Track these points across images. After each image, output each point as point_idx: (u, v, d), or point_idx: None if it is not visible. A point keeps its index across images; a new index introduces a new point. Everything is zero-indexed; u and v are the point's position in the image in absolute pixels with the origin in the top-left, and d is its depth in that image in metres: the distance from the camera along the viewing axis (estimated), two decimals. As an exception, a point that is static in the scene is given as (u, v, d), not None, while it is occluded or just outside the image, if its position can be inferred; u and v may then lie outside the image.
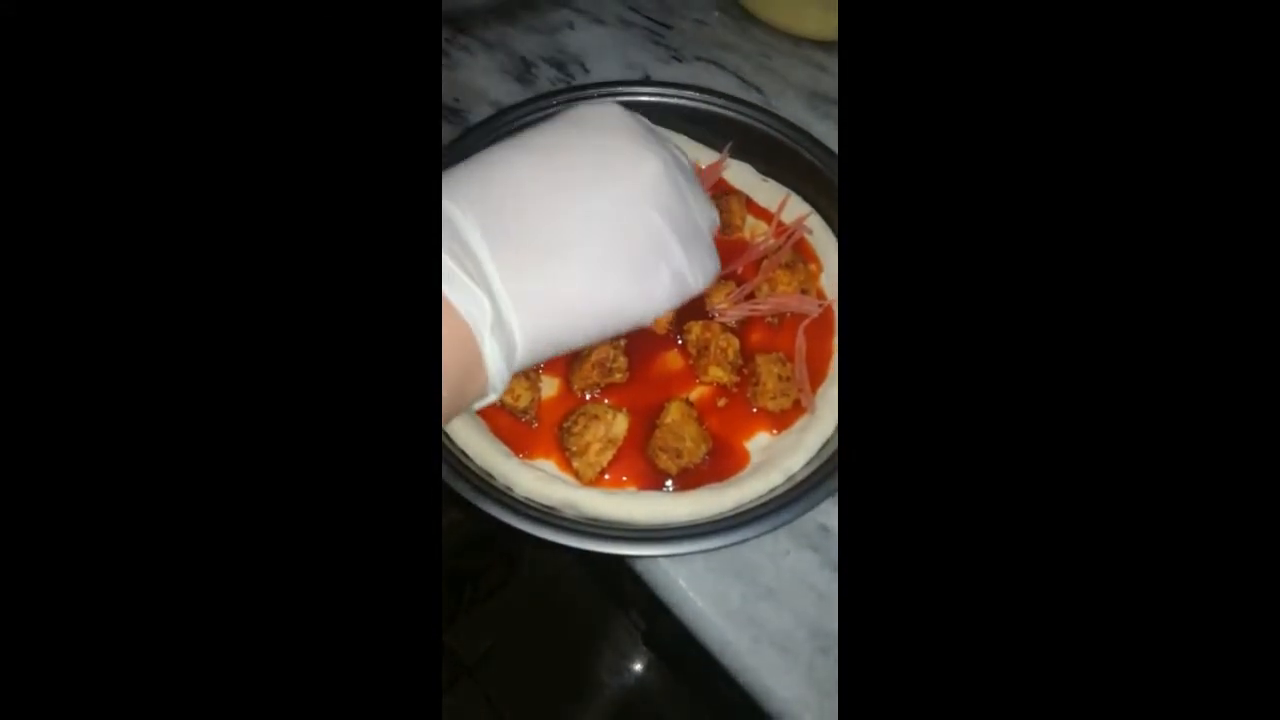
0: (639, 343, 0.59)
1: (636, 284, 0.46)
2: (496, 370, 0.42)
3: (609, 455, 0.54)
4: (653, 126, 0.51)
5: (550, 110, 0.68)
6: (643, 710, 1.37)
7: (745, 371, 0.58)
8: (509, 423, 0.56)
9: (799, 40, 0.82)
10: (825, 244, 0.65)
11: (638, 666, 1.39)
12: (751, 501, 0.53)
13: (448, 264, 0.39)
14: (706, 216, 0.50)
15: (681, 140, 0.69)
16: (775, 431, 0.57)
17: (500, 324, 0.41)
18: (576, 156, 0.46)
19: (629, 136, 0.47)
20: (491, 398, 0.44)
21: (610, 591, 1.36)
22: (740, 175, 0.68)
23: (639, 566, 0.55)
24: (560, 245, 0.43)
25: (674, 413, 0.55)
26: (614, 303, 0.45)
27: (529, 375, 0.56)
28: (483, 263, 0.41)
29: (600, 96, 0.69)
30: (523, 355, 0.43)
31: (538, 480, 0.53)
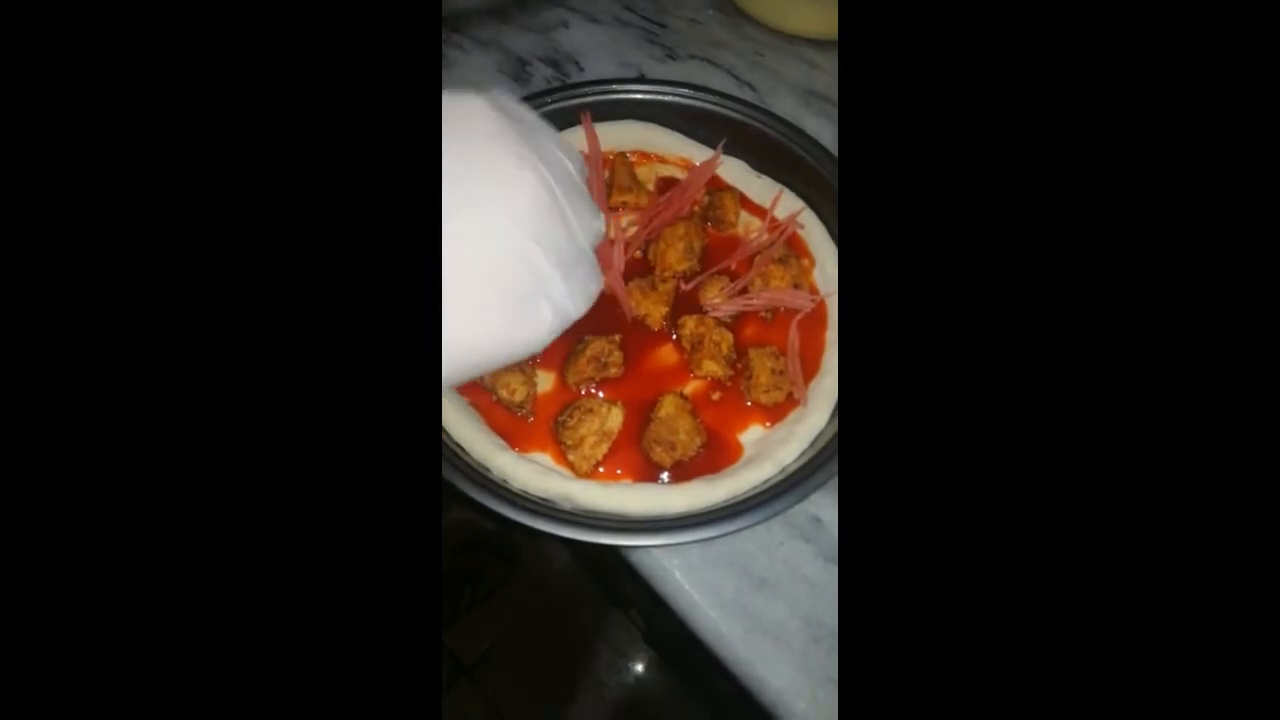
0: (634, 338, 0.59)
1: (514, 325, 0.43)
2: None
3: (604, 448, 0.55)
4: (528, 118, 0.46)
5: (545, 108, 0.69)
6: (642, 710, 1.37)
7: (739, 365, 0.59)
8: (505, 417, 0.57)
9: (791, 38, 0.82)
10: (818, 239, 0.65)
11: (638, 666, 1.39)
12: (745, 493, 0.53)
13: None
14: (590, 229, 0.46)
15: (675, 137, 0.70)
16: (768, 424, 0.58)
17: None
18: (445, 171, 0.40)
19: (501, 147, 0.42)
20: None
21: (609, 591, 1.36)
22: (734, 171, 0.69)
23: (634, 559, 0.55)
24: (448, 287, 0.39)
25: (668, 406, 0.55)
26: (490, 345, 0.43)
27: (524, 370, 0.57)
28: None
29: (595, 94, 0.70)
30: None
31: (534, 473, 0.53)
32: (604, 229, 0.49)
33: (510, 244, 0.41)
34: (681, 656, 1.16)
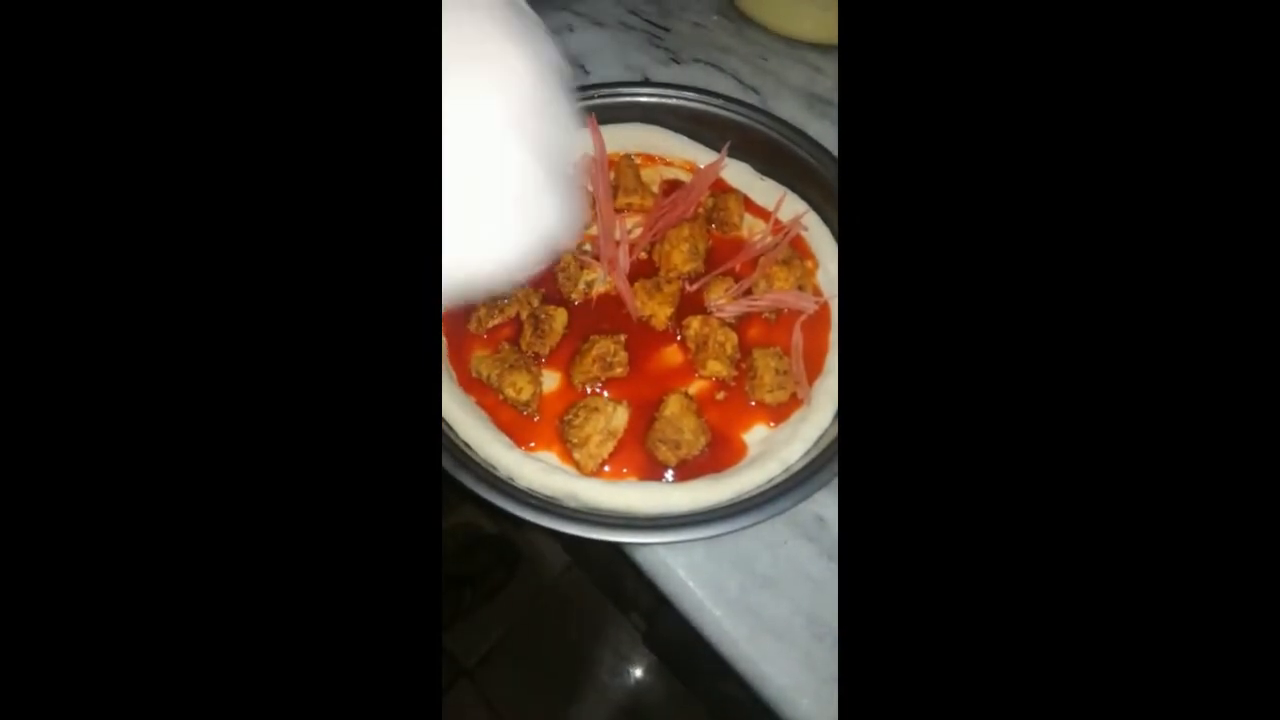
0: (639, 338, 0.60)
1: (477, 237, 0.38)
2: None
3: (609, 447, 0.55)
4: (527, 11, 0.41)
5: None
6: (642, 713, 1.37)
7: (743, 365, 0.59)
8: (511, 416, 0.57)
9: (795, 42, 0.83)
10: (821, 241, 0.66)
11: (637, 670, 1.39)
12: (749, 491, 0.53)
13: None
14: (570, 145, 0.42)
15: (680, 140, 0.71)
16: (772, 424, 0.58)
17: None
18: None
19: (493, 24, 0.38)
20: None
21: (609, 594, 1.36)
22: (738, 174, 0.69)
23: (638, 557, 0.56)
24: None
25: (673, 405, 0.55)
26: (452, 261, 0.37)
27: (530, 369, 0.57)
28: None
29: (600, 97, 0.71)
30: None
31: (539, 471, 0.54)
32: (578, 150, 0.46)
33: (493, 133, 0.37)
34: (682, 658, 1.16)
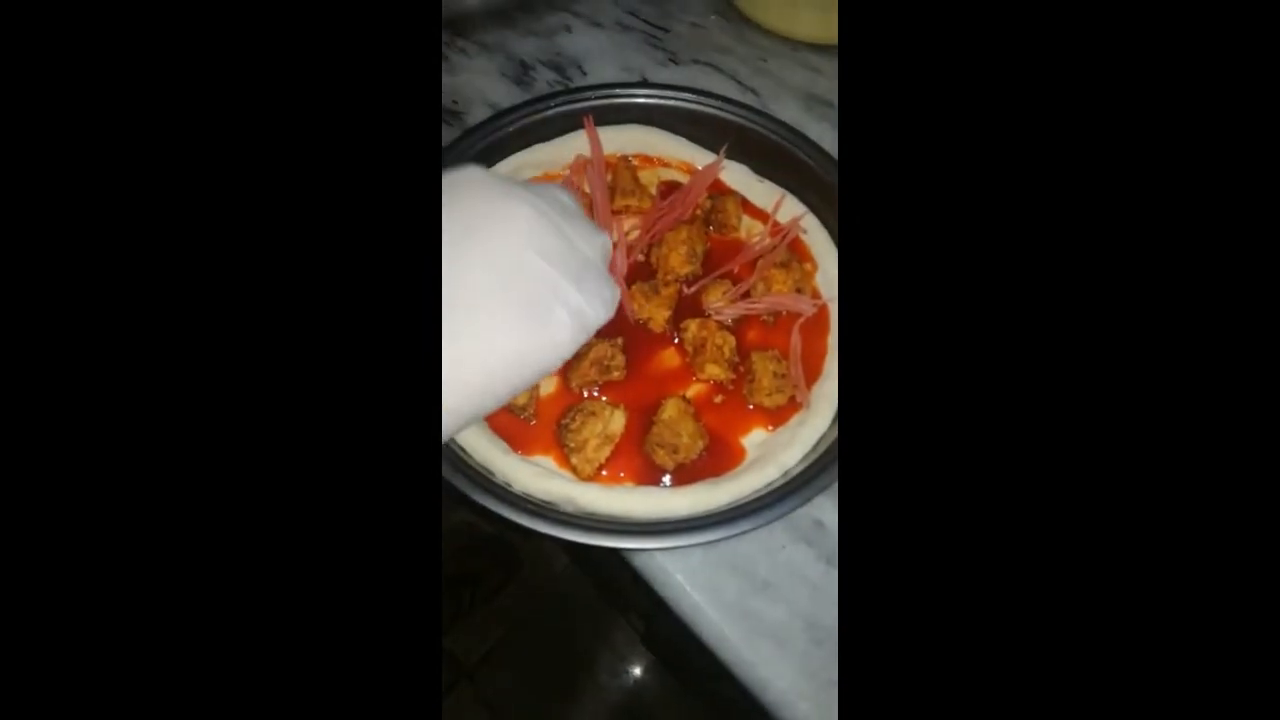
0: (636, 341, 0.60)
1: (534, 333, 0.44)
2: None
3: (606, 451, 0.55)
4: (518, 182, 0.49)
5: (548, 112, 0.69)
6: (641, 713, 1.37)
7: (741, 369, 0.59)
8: (507, 420, 0.57)
9: (795, 43, 0.82)
10: (820, 244, 0.66)
11: (636, 670, 1.39)
12: (747, 496, 0.53)
13: None
14: (596, 246, 0.49)
15: (678, 142, 0.71)
16: (771, 427, 0.58)
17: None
18: (448, 225, 0.44)
19: (493, 194, 0.46)
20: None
21: (609, 594, 1.36)
22: (736, 176, 0.69)
23: (637, 562, 0.55)
24: (450, 311, 0.41)
25: (671, 409, 0.55)
26: (515, 358, 0.44)
27: (527, 372, 0.57)
28: None
29: (598, 98, 0.70)
30: (446, 431, 0.43)
31: (536, 476, 0.53)
32: (610, 243, 0.51)
33: (513, 257, 0.44)
34: (681, 659, 1.16)
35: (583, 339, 0.47)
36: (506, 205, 0.46)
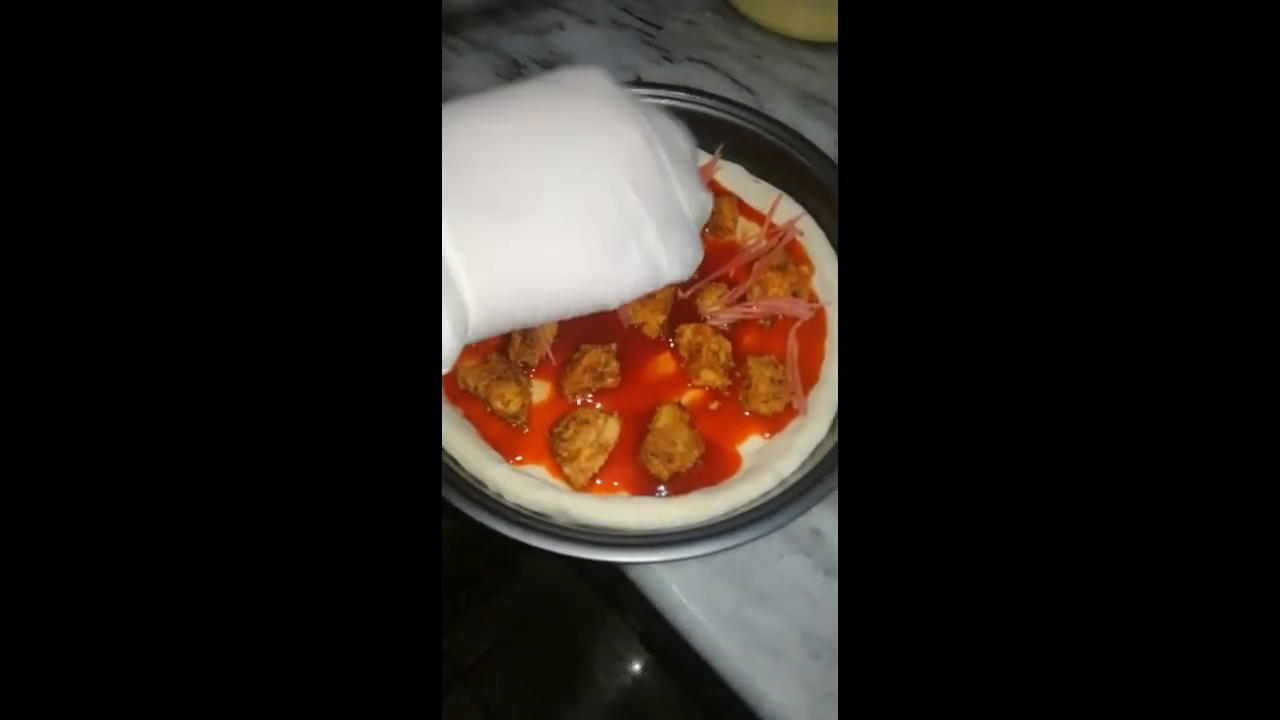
0: (631, 347, 0.58)
1: (603, 261, 0.42)
2: (447, 344, 0.39)
3: (600, 460, 0.54)
4: (641, 103, 0.46)
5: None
6: (639, 713, 1.36)
7: (737, 375, 0.58)
8: (499, 428, 0.56)
9: (790, 41, 0.81)
10: (817, 246, 0.65)
11: (635, 668, 1.39)
12: (744, 505, 0.52)
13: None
14: (695, 203, 0.46)
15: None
16: (767, 435, 0.57)
17: (452, 291, 0.38)
18: (550, 119, 0.42)
19: (611, 104, 0.43)
20: (443, 370, 0.42)
21: (606, 594, 1.36)
22: (732, 177, 0.68)
23: (632, 572, 0.54)
24: (523, 210, 0.39)
25: (666, 417, 0.54)
26: (577, 278, 0.42)
27: (519, 380, 0.56)
28: (451, 256, 0.38)
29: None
30: (475, 328, 0.41)
31: (528, 486, 0.52)
32: (709, 206, 0.49)
33: (605, 177, 0.41)
34: (679, 663, 1.15)
35: (648, 289, 0.45)
36: (618, 121, 0.43)
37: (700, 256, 0.47)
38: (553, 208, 0.40)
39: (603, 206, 0.41)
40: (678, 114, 0.68)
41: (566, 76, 0.44)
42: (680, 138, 0.47)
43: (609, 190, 0.41)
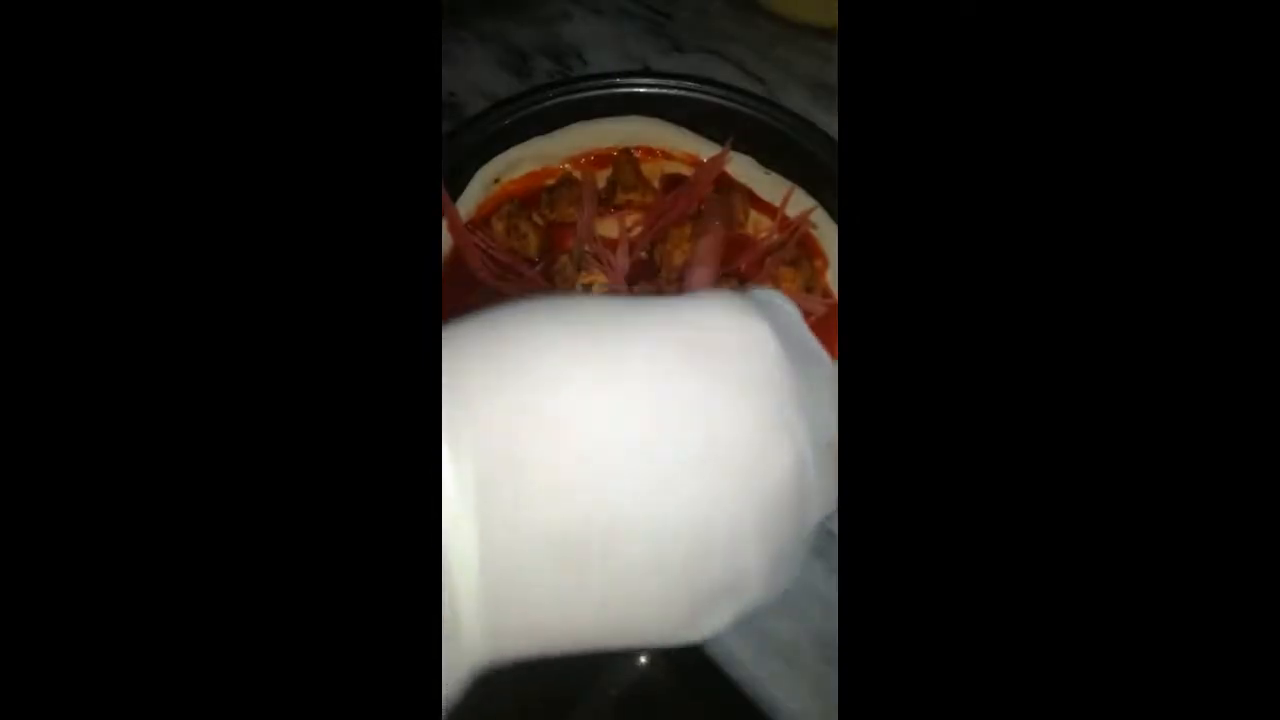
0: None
1: (683, 621, 0.30)
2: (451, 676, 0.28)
3: (608, 460, 0.52)
4: (808, 357, 0.31)
5: (547, 103, 0.67)
6: (645, 705, 1.36)
7: (749, 372, 0.57)
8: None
9: (803, 29, 0.80)
10: (831, 239, 0.63)
11: (642, 658, 1.38)
12: (756, 507, 0.51)
13: None
14: (820, 508, 0.33)
15: (682, 133, 0.68)
16: (780, 434, 0.55)
17: (458, 646, 0.28)
18: (672, 408, 0.27)
19: (770, 405, 0.29)
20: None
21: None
22: (743, 169, 0.66)
23: (640, 574, 0.53)
24: (611, 547, 0.27)
25: (675, 416, 0.53)
26: (645, 634, 0.30)
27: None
28: (462, 579, 0.26)
29: (598, 88, 0.68)
30: (492, 655, 0.30)
31: (535, 487, 0.51)
32: (834, 506, 0.34)
33: (727, 528, 0.28)
34: (687, 662, 1.14)
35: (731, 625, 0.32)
36: (768, 444, 0.29)
37: (797, 572, 0.34)
38: (649, 557, 0.27)
39: (711, 566, 0.29)
40: (688, 105, 0.68)
41: (721, 333, 0.29)
42: (833, 414, 0.32)
43: (726, 545, 0.29)
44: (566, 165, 0.67)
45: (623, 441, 0.26)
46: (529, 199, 0.64)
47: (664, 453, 0.26)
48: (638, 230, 0.63)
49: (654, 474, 0.26)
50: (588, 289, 0.60)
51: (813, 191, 0.65)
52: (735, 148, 0.66)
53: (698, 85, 0.68)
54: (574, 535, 0.26)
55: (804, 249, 0.62)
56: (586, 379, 0.26)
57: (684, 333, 0.27)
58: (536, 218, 0.63)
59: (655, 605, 0.28)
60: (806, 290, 0.59)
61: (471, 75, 0.76)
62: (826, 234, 0.63)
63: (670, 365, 0.27)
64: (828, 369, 0.31)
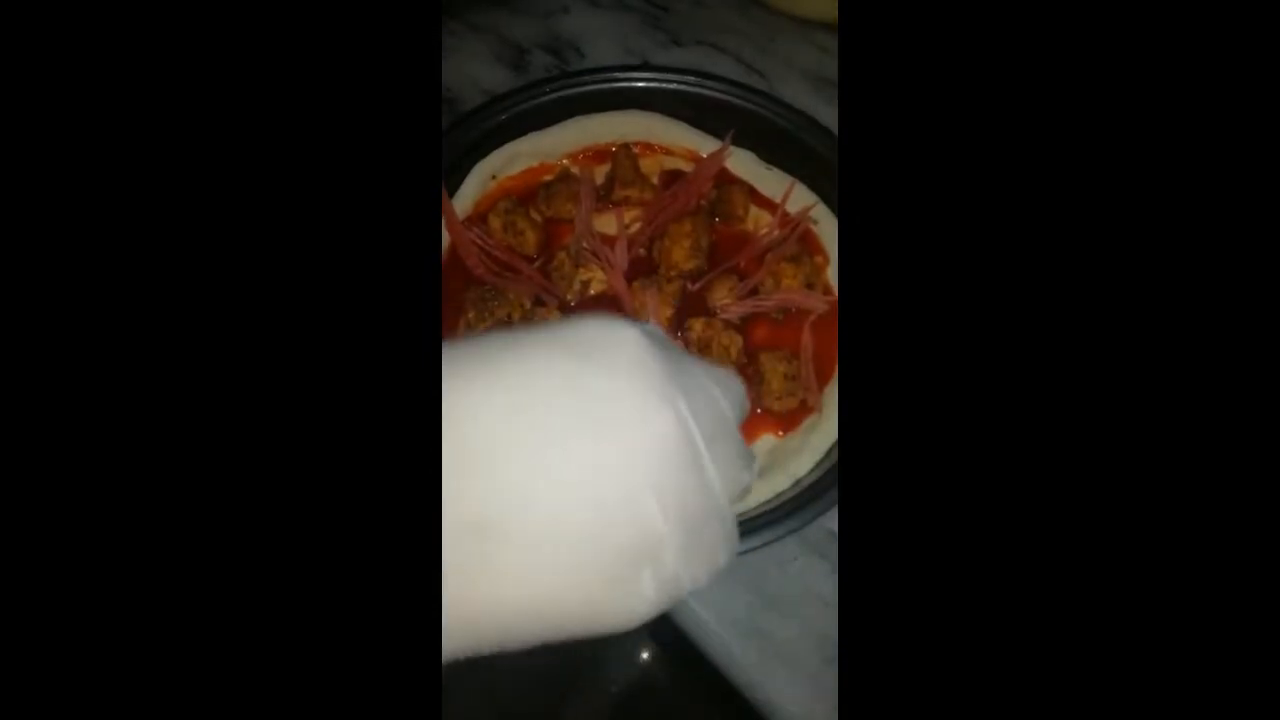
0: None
1: (605, 592, 0.32)
2: None
3: (607, 459, 0.52)
4: (683, 360, 0.35)
5: (544, 98, 0.66)
6: (647, 701, 1.36)
7: (749, 370, 0.56)
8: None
9: (802, 22, 0.79)
10: (832, 235, 0.63)
11: (644, 654, 1.38)
12: (757, 507, 0.50)
13: None
14: (735, 484, 0.36)
15: (681, 128, 0.67)
16: (781, 433, 0.55)
17: None
18: (562, 398, 0.32)
19: (640, 379, 0.33)
20: None
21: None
22: (743, 164, 0.66)
23: (640, 575, 0.53)
24: (513, 525, 0.30)
25: (675, 414, 0.52)
26: (571, 613, 0.32)
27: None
28: None
29: (597, 83, 0.67)
30: (450, 650, 0.31)
31: (533, 487, 0.50)
32: (751, 480, 0.38)
33: (622, 487, 0.31)
34: (688, 660, 1.14)
35: (662, 608, 0.34)
36: (647, 407, 0.32)
37: (735, 547, 0.37)
38: (548, 526, 0.31)
39: (614, 526, 0.32)
40: (687, 99, 0.67)
41: (591, 333, 0.34)
42: (725, 403, 0.36)
43: (624, 504, 0.31)
44: (564, 161, 0.66)
45: (508, 430, 0.30)
46: (527, 195, 0.64)
47: (545, 432, 0.30)
48: (636, 226, 0.62)
49: (539, 450, 0.30)
50: (586, 285, 0.59)
51: (814, 187, 0.64)
52: (736, 143, 0.65)
53: (697, 79, 0.67)
54: (479, 518, 0.29)
55: (805, 245, 0.61)
56: (478, 386, 0.30)
57: (559, 336, 0.32)
58: (534, 214, 0.62)
59: (569, 574, 0.30)
60: (808, 286, 0.59)
61: (467, 69, 0.75)
62: (827, 230, 0.63)
63: (545, 361, 0.31)
64: (701, 371, 0.35)
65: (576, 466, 0.30)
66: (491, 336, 0.34)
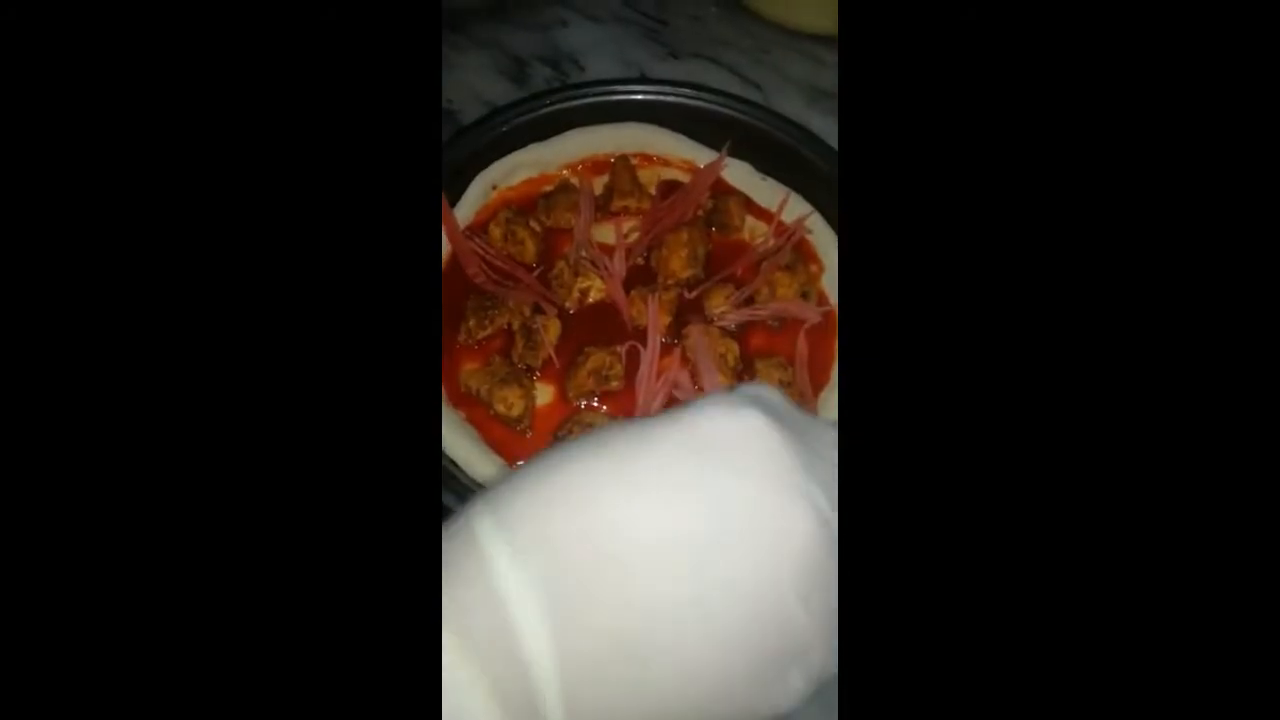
0: (636, 349, 0.57)
1: (753, 698, 0.31)
2: None
3: (605, 465, 0.53)
4: (805, 427, 0.33)
5: (544, 110, 0.67)
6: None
7: (745, 377, 0.57)
8: (502, 433, 0.55)
9: (797, 34, 0.80)
10: (827, 244, 0.63)
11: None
12: (753, 512, 0.51)
13: (476, 643, 0.27)
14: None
15: (678, 139, 0.68)
16: (776, 439, 0.55)
17: None
18: (697, 505, 0.30)
19: (774, 479, 0.31)
20: None
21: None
22: (739, 174, 0.67)
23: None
24: (653, 643, 0.29)
25: (672, 421, 0.53)
26: (719, 717, 0.31)
27: (523, 383, 0.55)
28: (537, 661, 0.28)
29: (595, 95, 0.68)
30: None
31: (532, 492, 0.51)
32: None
33: (770, 592, 0.30)
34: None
35: (809, 698, 0.33)
36: (789, 514, 0.31)
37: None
38: (695, 643, 0.29)
39: (763, 637, 0.30)
40: (684, 111, 0.68)
41: (719, 427, 0.31)
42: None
43: (772, 615, 0.30)
44: (564, 172, 0.67)
45: (653, 542, 0.29)
46: (526, 205, 0.65)
47: (691, 541, 0.29)
48: (634, 236, 0.63)
49: (687, 561, 0.29)
50: (585, 293, 0.60)
51: (809, 197, 0.65)
52: (731, 154, 0.66)
53: (694, 92, 0.68)
54: (634, 631, 0.28)
55: (800, 254, 0.62)
56: (612, 498, 0.29)
57: (686, 436, 0.30)
58: (534, 224, 0.63)
59: (718, 681, 0.29)
60: (803, 294, 0.60)
61: (468, 82, 0.76)
62: (823, 239, 0.64)
63: (679, 467, 0.30)
64: (829, 433, 0.33)
65: (723, 582, 0.29)
66: (614, 432, 0.32)
